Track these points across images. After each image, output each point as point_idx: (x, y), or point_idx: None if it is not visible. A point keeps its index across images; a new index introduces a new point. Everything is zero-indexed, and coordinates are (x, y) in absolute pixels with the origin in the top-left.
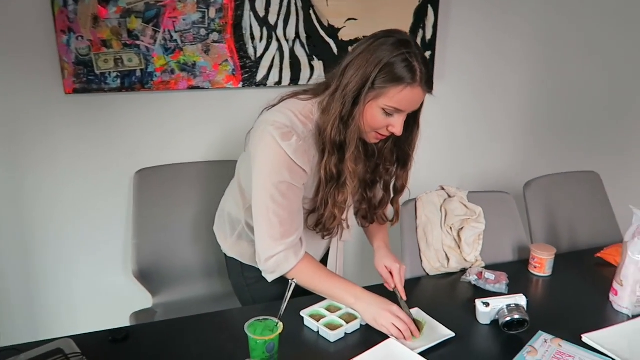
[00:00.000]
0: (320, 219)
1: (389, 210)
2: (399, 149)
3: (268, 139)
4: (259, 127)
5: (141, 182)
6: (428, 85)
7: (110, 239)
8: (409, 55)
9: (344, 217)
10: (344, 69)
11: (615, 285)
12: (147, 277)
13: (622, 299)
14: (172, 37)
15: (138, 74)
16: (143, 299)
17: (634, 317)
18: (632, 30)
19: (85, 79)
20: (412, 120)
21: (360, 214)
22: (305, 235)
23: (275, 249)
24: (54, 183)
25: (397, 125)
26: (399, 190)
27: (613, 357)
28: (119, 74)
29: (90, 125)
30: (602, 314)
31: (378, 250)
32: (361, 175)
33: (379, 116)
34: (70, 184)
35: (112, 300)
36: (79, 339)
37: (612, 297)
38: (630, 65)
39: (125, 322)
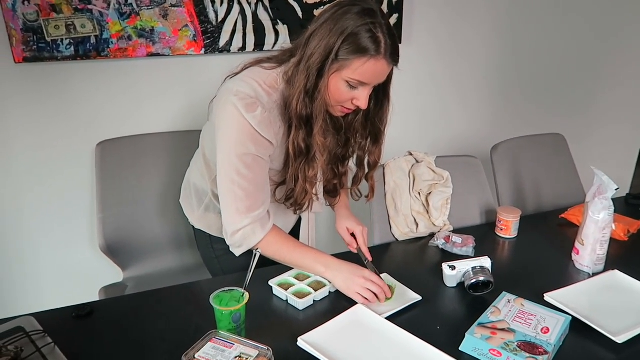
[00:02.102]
0: (291, 194)
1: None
2: (371, 123)
3: (232, 110)
4: (222, 97)
5: (103, 154)
6: (393, 58)
7: (75, 214)
8: (373, 26)
9: (314, 191)
10: (307, 38)
11: (577, 244)
12: (115, 251)
13: (583, 257)
14: (127, 1)
15: (93, 40)
16: (113, 274)
17: (595, 275)
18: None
19: (36, 46)
20: (382, 94)
21: (328, 189)
22: (273, 208)
23: (242, 222)
24: (9, 158)
25: (361, 99)
26: (372, 166)
27: (573, 314)
28: (72, 41)
29: (44, 96)
30: (565, 273)
31: (339, 212)
32: (332, 150)
33: (343, 89)
34: (28, 159)
35: (81, 276)
36: (41, 316)
37: (574, 256)
38: (595, 27)
39: (95, 298)
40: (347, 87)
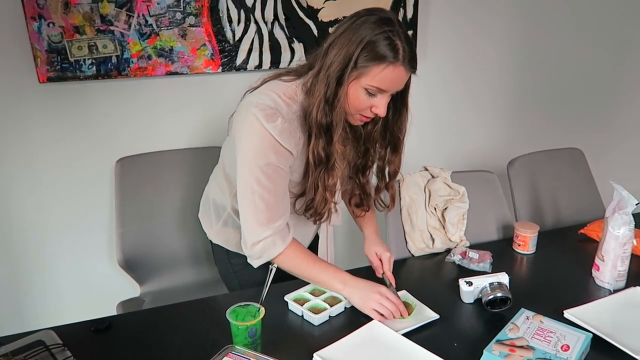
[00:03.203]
0: (310, 204)
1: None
2: (390, 133)
3: (252, 121)
4: (242, 109)
5: (122, 170)
6: (411, 64)
7: (94, 229)
8: (391, 34)
9: (334, 199)
10: (326, 48)
11: (597, 260)
12: (133, 266)
13: (603, 274)
14: (147, 21)
15: (114, 60)
16: (131, 288)
17: (616, 291)
18: (617, 5)
19: (59, 66)
20: (400, 103)
21: (354, 201)
22: (292, 221)
23: (262, 234)
24: (32, 174)
25: (380, 106)
26: (392, 175)
27: (594, 332)
28: (94, 61)
29: (67, 114)
30: (585, 290)
31: (368, 237)
32: (352, 160)
33: (362, 96)
34: (50, 175)
35: (99, 290)
36: (60, 330)
37: (594, 272)
38: (614, 41)
39: (112, 312)
40: (365, 94)
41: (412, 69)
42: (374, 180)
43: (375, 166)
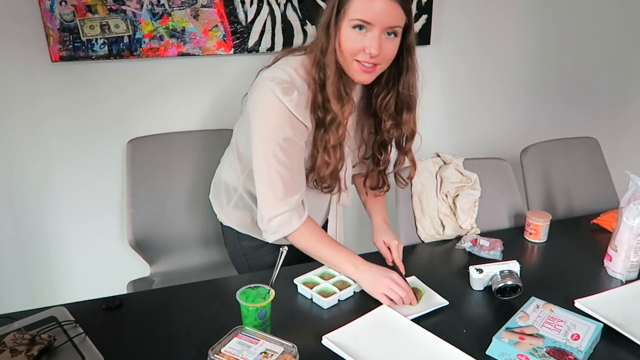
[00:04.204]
0: (313, 168)
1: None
2: (401, 95)
3: (269, 95)
4: (258, 85)
5: (134, 151)
6: None
7: (105, 209)
8: None
9: (342, 175)
10: (321, 13)
11: (609, 250)
12: (143, 246)
13: (616, 264)
14: (159, 1)
15: (126, 40)
16: (141, 268)
17: (628, 282)
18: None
19: (72, 46)
20: (406, 62)
21: (370, 183)
22: (305, 199)
23: (280, 208)
24: (43, 154)
25: (371, 44)
26: (409, 137)
27: (605, 322)
28: (105, 41)
29: (78, 94)
30: (596, 280)
31: (377, 226)
32: (367, 137)
33: (353, 36)
34: (60, 155)
35: (110, 269)
36: (73, 307)
37: (606, 262)
38: (629, 29)
39: (122, 291)
40: (356, 33)
41: None
42: (393, 155)
43: (394, 139)
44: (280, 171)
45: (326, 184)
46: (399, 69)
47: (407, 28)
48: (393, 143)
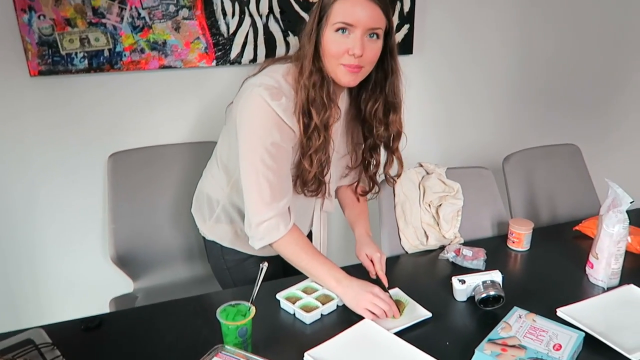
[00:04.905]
0: (299, 174)
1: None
2: (386, 97)
3: (257, 100)
4: (245, 91)
5: (115, 165)
6: None
7: (87, 224)
8: None
9: (326, 179)
10: (305, 23)
11: (591, 258)
12: (126, 261)
13: (597, 271)
14: (139, 14)
15: (106, 53)
16: (124, 284)
17: (609, 289)
18: (617, 7)
19: (51, 60)
20: (389, 65)
21: (361, 189)
22: (291, 206)
23: (267, 213)
24: (23, 169)
25: (354, 44)
26: (396, 137)
27: (587, 330)
28: (85, 54)
29: (58, 108)
30: (579, 287)
31: (359, 239)
32: (357, 144)
33: (337, 38)
34: (41, 170)
35: (92, 286)
36: (51, 328)
37: (588, 270)
38: (609, 36)
39: (105, 308)
40: (339, 36)
41: None
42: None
43: (382, 143)
44: (267, 176)
45: (311, 188)
46: (385, 73)
47: (388, 32)
48: (382, 145)
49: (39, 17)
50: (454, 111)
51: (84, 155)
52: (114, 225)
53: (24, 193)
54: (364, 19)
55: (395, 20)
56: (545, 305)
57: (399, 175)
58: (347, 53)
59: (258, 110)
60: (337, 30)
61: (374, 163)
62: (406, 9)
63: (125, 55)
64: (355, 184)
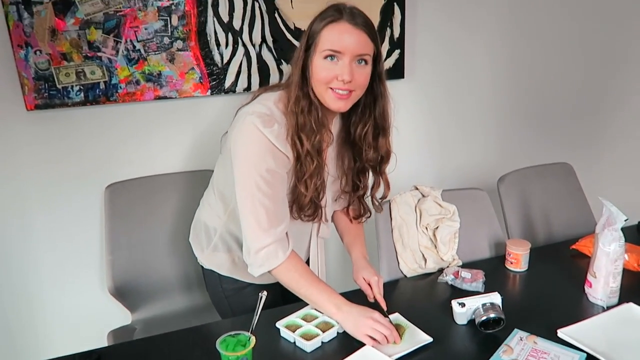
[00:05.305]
0: (295, 199)
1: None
2: (375, 121)
3: (250, 128)
4: (238, 120)
5: (112, 196)
6: (353, 18)
7: (84, 256)
8: (337, 4)
9: (323, 203)
10: (294, 51)
11: (589, 277)
12: (124, 293)
13: (596, 290)
14: (134, 47)
15: (102, 86)
16: (122, 316)
17: (609, 308)
18: (603, 22)
19: (47, 94)
20: (378, 89)
21: (353, 213)
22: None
23: (265, 240)
24: (21, 202)
25: (343, 71)
26: (384, 158)
27: (588, 351)
28: (81, 88)
29: (55, 141)
30: (578, 307)
31: (356, 262)
32: (347, 170)
33: (325, 65)
34: (38, 203)
35: (89, 319)
36: None
37: (587, 289)
38: (599, 57)
39: (103, 340)
40: (327, 62)
41: (355, 23)
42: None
43: (371, 166)
44: (263, 202)
45: (307, 212)
46: (374, 97)
47: (376, 58)
48: (370, 168)
49: (35, 52)
50: (446, 133)
51: (81, 187)
52: (111, 257)
53: (21, 226)
54: (351, 45)
55: (386, 45)
56: (546, 326)
57: (384, 198)
58: (336, 79)
59: (251, 137)
60: (326, 57)
61: (362, 186)
62: (396, 34)
63: (120, 87)
64: (347, 207)
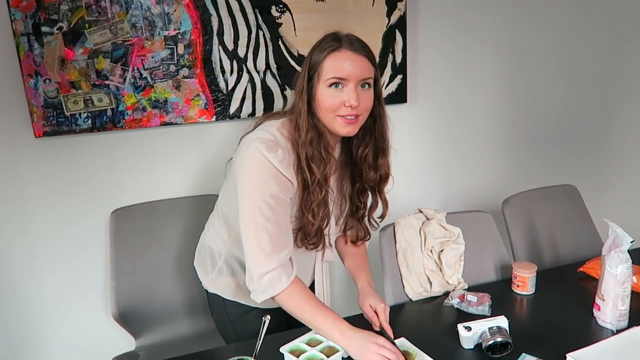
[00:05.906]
0: (300, 227)
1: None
2: (375, 142)
3: (254, 153)
4: (242, 147)
5: (117, 222)
6: (352, 44)
7: (89, 282)
8: (333, 34)
9: (326, 232)
10: (295, 78)
11: (597, 300)
12: (127, 319)
13: (605, 314)
14: (141, 75)
15: (109, 113)
16: (126, 342)
17: (618, 331)
18: (605, 47)
19: (55, 121)
20: (377, 110)
21: (352, 237)
22: (294, 258)
23: (269, 265)
24: (28, 228)
25: (350, 97)
26: (383, 178)
27: None
28: (89, 115)
29: (63, 167)
30: (587, 331)
31: (362, 290)
32: (347, 192)
33: (330, 93)
34: (43, 227)
35: (93, 345)
36: None
37: (595, 312)
38: (602, 79)
39: None
40: (332, 90)
41: (356, 50)
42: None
43: (370, 187)
44: (267, 227)
45: (312, 241)
46: (374, 118)
47: (376, 79)
48: (369, 189)
49: (44, 81)
50: (450, 156)
51: (87, 212)
52: (115, 282)
53: (26, 250)
54: (355, 71)
55: (389, 71)
56: (554, 350)
57: (382, 217)
58: (343, 105)
59: (255, 162)
60: (331, 85)
61: (362, 206)
62: (398, 60)
63: (127, 114)
64: (347, 230)
